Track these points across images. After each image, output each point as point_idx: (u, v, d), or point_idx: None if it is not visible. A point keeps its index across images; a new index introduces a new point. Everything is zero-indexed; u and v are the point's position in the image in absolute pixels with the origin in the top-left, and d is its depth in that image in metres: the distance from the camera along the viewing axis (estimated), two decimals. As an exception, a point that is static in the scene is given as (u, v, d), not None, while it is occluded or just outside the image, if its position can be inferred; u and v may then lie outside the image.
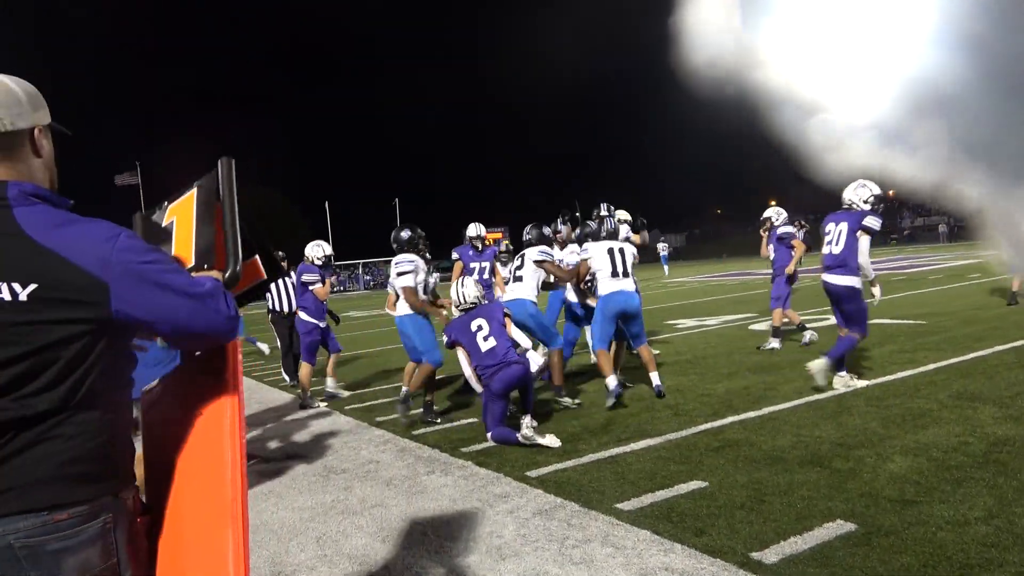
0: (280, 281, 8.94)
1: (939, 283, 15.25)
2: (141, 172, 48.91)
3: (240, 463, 1.47)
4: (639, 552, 3.22)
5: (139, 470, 1.64)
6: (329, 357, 8.26)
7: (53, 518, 1.33)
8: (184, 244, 1.72)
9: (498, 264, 7.71)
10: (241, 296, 1.84)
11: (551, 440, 5.00)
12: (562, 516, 3.75)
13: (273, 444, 6.16)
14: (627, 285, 6.40)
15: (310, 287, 7.86)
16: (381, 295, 43.15)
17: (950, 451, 4.13)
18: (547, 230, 6.75)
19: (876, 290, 5.85)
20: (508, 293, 6.45)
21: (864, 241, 5.79)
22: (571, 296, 7.16)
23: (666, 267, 36.25)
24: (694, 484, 4.01)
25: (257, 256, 1.86)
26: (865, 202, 5.88)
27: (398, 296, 6.44)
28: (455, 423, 6.14)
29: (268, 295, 8.73)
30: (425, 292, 6.44)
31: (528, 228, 6.67)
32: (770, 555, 3.05)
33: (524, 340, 5.47)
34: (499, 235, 58.84)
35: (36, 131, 1.47)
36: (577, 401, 6.30)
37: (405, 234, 6.49)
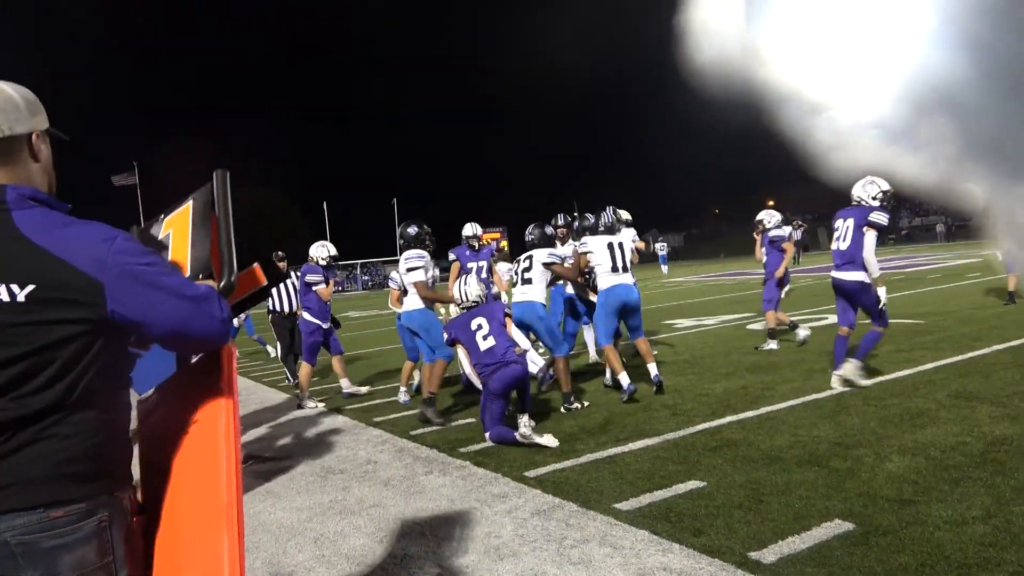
0: (281, 282, 8.95)
1: (937, 283, 15.27)
2: (139, 172, 48.86)
3: (235, 467, 1.48)
4: (637, 552, 3.22)
5: (136, 472, 1.64)
6: (332, 359, 8.24)
7: (49, 515, 1.35)
8: (180, 255, 1.74)
9: (495, 263, 7.71)
10: (242, 302, 1.87)
11: (549, 440, 5.00)
12: (560, 516, 3.75)
13: (271, 444, 6.16)
14: (626, 279, 6.51)
15: (314, 287, 7.85)
16: (379, 295, 43.16)
17: (948, 450, 4.13)
18: (549, 229, 6.74)
19: (881, 291, 5.81)
20: (518, 295, 6.42)
21: (870, 237, 5.78)
22: (571, 290, 7.19)
23: (665, 267, 36.27)
24: (692, 484, 4.01)
25: (256, 264, 1.88)
26: (874, 198, 5.88)
27: (405, 292, 6.43)
28: (453, 423, 6.14)
29: (270, 297, 8.72)
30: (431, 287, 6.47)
31: (530, 228, 6.65)
32: (768, 555, 3.05)
33: (523, 341, 5.47)
34: (497, 235, 58.90)
35: (34, 136, 1.50)
36: (586, 403, 6.32)
37: (412, 230, 6.51)
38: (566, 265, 6.61)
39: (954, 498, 3.45)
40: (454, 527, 3.75)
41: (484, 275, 7.47)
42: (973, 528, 3.10)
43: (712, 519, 3.49)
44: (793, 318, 9.03)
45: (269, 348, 12.11)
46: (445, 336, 5.64)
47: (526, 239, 6.65)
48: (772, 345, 8.33)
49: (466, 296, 5.60)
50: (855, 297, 5.91)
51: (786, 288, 8.98)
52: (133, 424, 1.63)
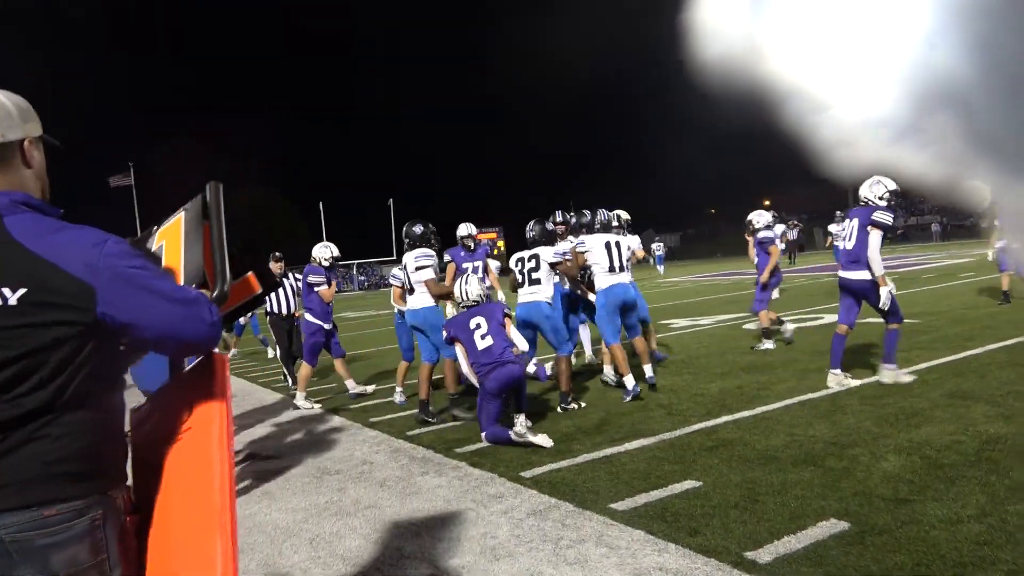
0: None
1: (931, 282, 15.30)
2: (139, 173, 48.80)
3: (228, 472, 1.50)
4: (633, 552, 3.22)
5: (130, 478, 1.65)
6: (334, 362, 8.21)
7: (42, 514, 1.37)
8: (174, 266, 1.77)
9: (490, 262, 7.69)
10: (237, 309, 1.89)
11: (543, 439, 5.00)
12: (556, 516, 3.75)
13: (267, 445, 6.15)
14: (624, 278, 6.56)
15: (316, 288, 7.84)
16: (376, 296, 43.13)
17: (943, 450, 4.14)
18: (550, 225, 6.73)
19: (883, 291, 5.80)
20: (524, 296, 6.41)
21: (875, 236, 5.78)
22: (567, 285, 7.21)
23: (661, 267, 36.28)
24: (688, 484, 4.01)
25: (251, 273, 1.89)
26: (880, 198, 5.90)
27: (411, 291, 6.42)
28: (450, 424, 6.14)
29: (267, 298, 8.70)
30: None
31: (531, 224, 6.63)
32: (764, 554, 3.06)
33: (522, 343, 5.47)
34: (493, 235, 58.89)
35: (26, 143, 1.53)
36: (583, 404, 6.32)
37: (418, 229, 6.52)
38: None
39: (949, 497, 3.45)
40: (450, 528, 3.75)
41: (480, 275, 7.47)
42: (968, 527, 3.11)
43: (708, 519, 3.49)
44: (784, 317, 9.04)
45: (269, 349, 12.08)
46: (444, 334, 5.65)
47: (527, 235, 6.62)
48: (767, 345, 8.34)
49: (466, 295, 5.60)
50: (865, 296, 5.91)
51: (777, 288, 8.95)
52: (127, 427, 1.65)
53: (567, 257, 6.47)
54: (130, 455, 1.71)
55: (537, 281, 6.35)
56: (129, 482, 1.63)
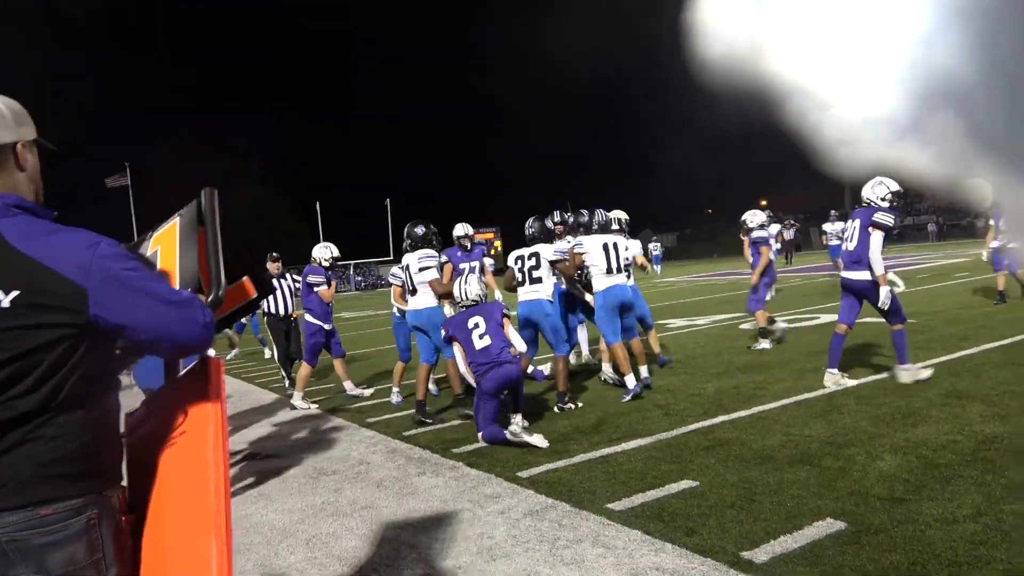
0: (276, 283, 8.89)
1: (927, 282, 15.33)
2: (138, 174, 48.71)
3: (223, 475, 1.51)
4: (630, 552, 3.22)
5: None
6: (334, 362, 8.20)
7: (38, 513, 1.39)
8: (169, 271, 1.78)
9: (486, 262, 7.69)
10: (233, 314, 1.91)
11: (538, 440, 4.99)
12: (553, 516, 3.75)
13: (264, 445, 6.14)
14: (621, 279, 6.59)
15: (315, 288, 7.83)
16: (373, 296, 43.11)
17: (939, 449, 4.15)
18: (549, 223, 6.72)
19: (883, 290, 5.81)
20: (525, 294, 6.41)
21: (876, 237, 5.79)
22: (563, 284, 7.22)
23: (658, 267, 36.30)
24: (685, 484, 4.01)
25: (246, 278, 1.91)
26: (883, 199, 5.90)
27: (413, 291, 6.41)
28: (447, 424, 6.14)
29: (258, 307, 8.68)
30: None
31: (530, 222, 6.61)
32: (760, 554, 3.06)
33: (520, 344, 5.46)
34: (490, 235, 58.83)
35: (20, 146, 1.54)
36: (580, 404, 6.33)
37: (420, 230, 6.52)
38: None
39: (945, 496, 3.46)
40: (447, 528, 3.75)
41: (478, 275, 7.47)
42: (964, 526, 3.11)
43: (704, 519, 3.50)
44: (778, 317, 9.06)
45: (266, 349, 12.05)
46: (443, 333, 5.65)
47: (526, 232, 6.60)
48: (764, 344, 8.35)
49: (465, 295, 5.60)
50: (867, 296, 5.92)
51: (771, 288, 8.95)
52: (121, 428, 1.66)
53: (566, 256, 6.47)
54: (126, 458, 1.71)
55: (538, 279, 6.34)
56: (125, 482, 1.64)
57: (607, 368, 7.23)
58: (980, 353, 6.84)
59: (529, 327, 6.43)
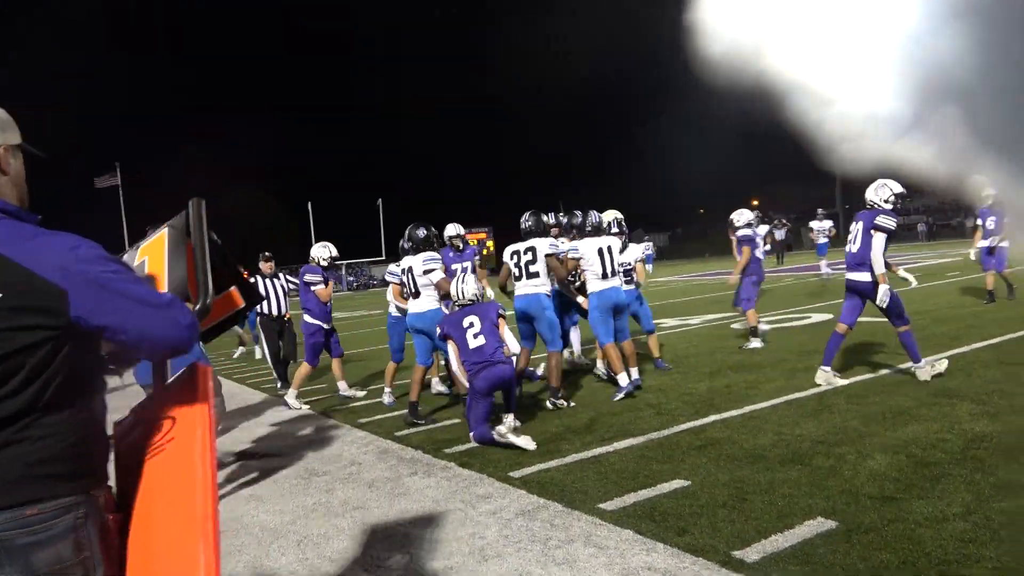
0: (269, 283, 8.86)
1: (903, 284, 15.40)
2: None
3: (211, 481, 1.53)
4: (622, 552, 3.22)
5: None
6: (332, 361, 8.17)
7: (24, 513, 1.40)
8: (157, 281, 1.82)
9: (477, 262, 7.70)
10: (220, 324, 1.93)
11: (526, 442, 4.98)
12: (545, 516, 3.75)
13: (254, 446, 6.11)
14: (616, 282, 6.61)
15: (312, 287, 7.80)
16: (365, 296, 43.01)
17: (929, 448, 4.17)
18: (545, 217, 6.72)
19: (882, 288, 5.82)
20: (523, 288, 6.41)
21: (878, 240, 5.82)
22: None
23: (650, 266, 36.36)
24: (676, 483, 4.02)
25: (234, 288, 1.91)
26: (886, 201, 5.93)
27: (415, 293, 6.40)
28: (439, 424, 6.13)
29: (246, 317, 8.64)
30: None
31: (526, 216, 6.59)
32: (752, 553, 3.07)
33: (514, 344, 5.46)
34: (483, 235, 58.81)
35: (2, 150, 1.56)
36: (572, 403, 6.33)
37: (421, 232, 6.52)
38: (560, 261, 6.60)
39: (935, 495, 3.48)
40: (438, 528, 3.74)
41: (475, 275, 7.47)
42: (953, 525, 3.13)
43: (696, 518, 3.50)
44: (764, 316, 9.10)
45: (257, 349, 12.00)
46: (438, 331, 5.64)
47: (522, 227, 6.60)
48: (755, 344, 8.38)
49: (462, 294, 5.59)
50: (870, 296, 5.94)
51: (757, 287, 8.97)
52: (108, 428, 1.67)
53: (561, 252, 6.47)
54: (116, 464, 1.74)
55: (535, 274, 6.35)
56: (113, 485, 1.66)
57: (601, 364, 7.27)
58: (970, 352, 6.89)
59: (526, 321, 6.45)
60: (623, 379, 6.34)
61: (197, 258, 1.72)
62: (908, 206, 55.35)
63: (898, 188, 5.90)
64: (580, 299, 6.83)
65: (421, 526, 3.81)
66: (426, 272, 6.30)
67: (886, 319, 6.07)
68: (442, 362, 7.36)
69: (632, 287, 7.42)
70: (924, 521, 3.20)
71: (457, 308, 5.64)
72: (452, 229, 7.58)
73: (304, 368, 7.68)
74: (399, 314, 7.25)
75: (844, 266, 6.22)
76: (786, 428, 4.88)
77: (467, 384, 5.40)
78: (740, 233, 8.73)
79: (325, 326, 7.82)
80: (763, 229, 9.14)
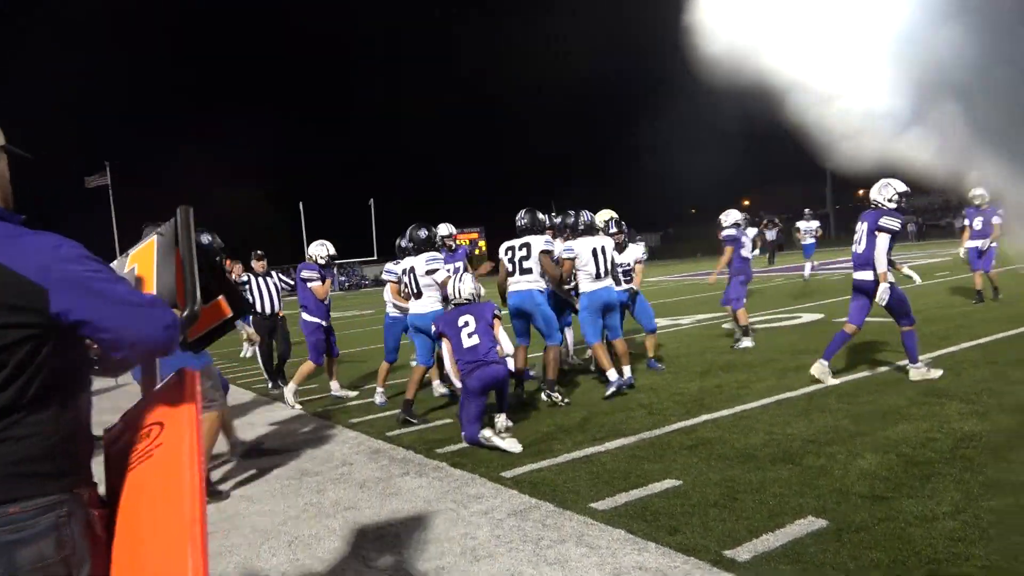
0: (262, 281, 8.83)
1: (906, 281, 15.49)
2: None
3: (199, 486, 1.54)
4: (613, 551, 3.22)
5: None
6: (326, 360, 8.15)
7: (7, 511, 1.42)
8: (146, 288, 1.84)
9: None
10: (209, 334, 1.93)
11: (511, 444, 4.96)
12: (537, 516, 3.75)
13: (245, 446, 6.08)
14: (608, 283, 6.64)
15: (308, 284, 7.78)
16: (357, 296, 42.91)
17: (918, 447, 4.19)
18: (540, 215, 6.72)
19: (882, 287, 5.83)
20: (516, 284, 6.41)
21: (882, 240, 5.84)
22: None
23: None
24: (668, 483, 4.02)
25: (222, 297, 1.94)
26: (889, 200, 5.95)
27: (418, 294, 6.39)
28: (431, 424, 6.12)
29: (250, 296, 8.60)
30: None
31: (521, 213, 6.60)
32: (743, 552, 3.07)
33: (508, 345, 5.46)
34: (475, 235, 58.72)
35: None
36: (566, 400, 6.34)
37: (423, 233, 6.51)
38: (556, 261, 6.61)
39: (925, 494, 3.50)
40: (430, 529, 3.74)
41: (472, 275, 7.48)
42: (943, 523, 3.15)
43: (687, 517, 3.51)
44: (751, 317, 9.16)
45: (245, 345, 11.94)
46: (433, 329, 5.63)
47: (517, 224, 6.60)
48: (747, 343, 8.41)
49: (459, 293, 5.59)
50: (872, 295, 5.97)
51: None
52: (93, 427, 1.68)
53: (554, 249, 6.47)
54: (105, 470, 1.75)
55: (528, 270, 6.37)
56: (101, 486, 1.67)
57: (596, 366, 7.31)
58: (959, 352, 6.94)
59: (520, 317, 6.46)
60: (612, 374, 6.37)
61: (184, 265, 1.73)
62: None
63: (902, 187, 5.92)
64: (574, 301, 6.85)
65: (412, 526, 3.80)
66: (429, 272, 6.31)
67: (891, 319, 6.10)
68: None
69: (628, 287, 7.44)
70: (914, 520, 3.21)
71: (453, 307, 5.64)
72: (444, 229, 7.57)
73: (308, 366, 7.63)
74: (397, 314, 7.22)
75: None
76: (777, 428, 4.90)
77: (458, 383, 5.40)
78: (724, 233, 8.82)
79: (323, 323, 7.80)
80: (752, 231, 9.21)
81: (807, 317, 10.78)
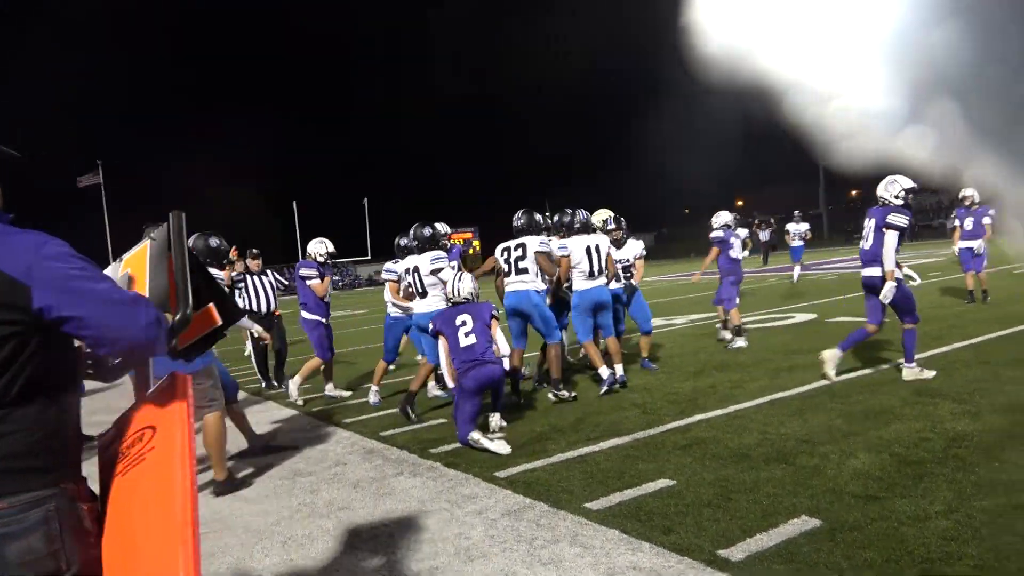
0: (257, 280, 8.80)
1: (907, 280, 15.52)
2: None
3: (191, 489, 1.56)
4: (607, 551, 3.22)
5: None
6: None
7: None
8: (139, 291, 1.84)
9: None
10: (198, 342, 1.94)
11: (499, 446, 4.95)
12: (531, 516, 3.74)
13: (239, 446, 6.06)
14: (601, 282, 6.64)
15: (308, 282, 7.76)
16: (350, 296, 42.84)
17: (911, 447, 4.21)
18: (537, 216, 6.72)
19: (888, 285, 5.84)
20: (512, 285, 6.42)
21: (890, 237, 5.85)
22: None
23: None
24: (662, 482, 4.03)
25: (212, 304, 1.95)
26: (896, 197, 5.96)
27: (423, 293, 6.39)
28: (425, 423, 6.11)
29: (245, 295, 8.58)
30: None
31: (518, 214, 6.61)
32: (736, 552, 3.08)
33: (504, 346, 5.46)
34: (469, 235, 58.72)
35: None
36: (573, 394, 6.38)
37: (427, 231, 6.51)
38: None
39: (917, 494, 3.51)
40: (424, 529, 3.73)
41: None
42: (936, 523, 3.16)
43: (681, 517, 3.51)
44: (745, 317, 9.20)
45: (249, 344, 11.92)
46: (431, 327, 5.63)
47: (514, 224, 6.61)
48: (740, 343, 8.42)
49: (458, 292, 5.58)
50: (878, 291, 5.99)
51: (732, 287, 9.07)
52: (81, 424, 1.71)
53: (550, 249, 6.48)
54: (99, 475, 1.76)
55: (524, 270, 6.38)
56: (96, 486, 1.69)
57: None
58: (952, 352, 6.96)
59: (517, 318, 6.46)
60: (604, 371, 6.41)
61: (176, 269, 1.75)
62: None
63: (908, 183, 5.93)
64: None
65: (406, 527, 3.79)
66: (434, 271, 6.31)
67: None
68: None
69: (622, 284, 7.44)
70: (907, 519, 3.22)
71: (451, 305, 5.63)
72: (439, 228, 7.56)
73: (315, 362, 7.63)
74: (399, 314, 7.20)
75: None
76: (770, 427, 4.91)
77: (451, 383, 5.39)
78: (712, 235, 8.86)
79: (323, 320, 7.78)
80: (742, 232, 9.25)
81: (800, 317, 10.81)
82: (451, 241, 7.65)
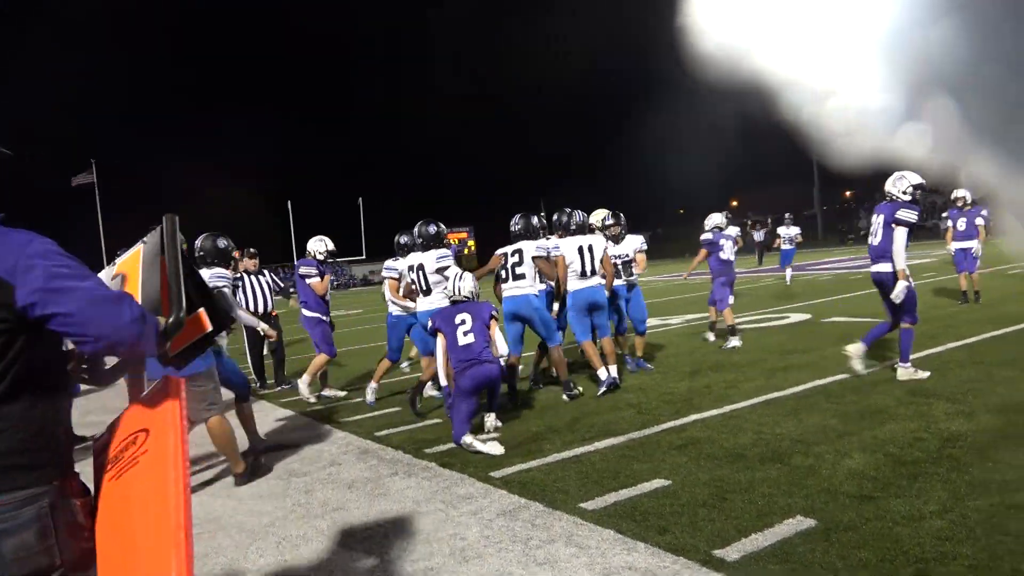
0: (254, 279, 8.78)
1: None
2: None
3: (184, 491, 1.57)
4: (603, 551, 3.22)
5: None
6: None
7: None
8: (132, 295, 1.84)
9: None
10: (188, 349, 1.94)
11: (492, 447, 4.94)
12: (526, 517, 3.74)
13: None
14: (593, 282, 6.64)
15: (307, 280, 7.75)
16: (345, 295, 42.78)
17: (906, 447, 4.21)
18: (535, 220, 6.73)
19: (900, 284, 5.81)
20: (510, 290, 6.43)
21: (899, 233, 5.85)
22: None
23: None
24: (657, 482, 4.03)
25: (202, 309, 1.94)
26: (904, 193, 5.96)
27: (427, 291, 6.39)
28: (420, 423, 6.10)
29: (242, 294, 8.56)
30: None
31: (516, 219, 6.62)
32: (732, 552, 3.08)
33: (502, 347, 5.45)
34: (464, 235, 58.71)
35: None
36: (579, 389, 6.44)
37: (432, 229, 6.54)
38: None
39: (912, 493, 3.51)
40: (419, 530, 3.72)
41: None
42: (930, 523, 3.16)
43: (677, 517, 3.51)
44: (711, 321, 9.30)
45: (245, 343, 11.89)
46: (429, 324, 5.62)
47: (511, 229, 6.63)
48: (734, 343, 8.43)
49: (458, 291, 5.58)
50: (888, 287, 5.99)
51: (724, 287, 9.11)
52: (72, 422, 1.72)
53: (548, 253, 6.48)
54: (93, 478, 1.78)
55: (522, 276, 6.39)
56: (77, 469, 1.70)
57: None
58: (946, 352, 6.98)
59: (516, 322, 6.46)
60: (603, 373, 6.43)
61: (169, 274, 1.75)
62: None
63: (916, 179, 5.92)
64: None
65: (401, 527, 3.78)
66: (439, 269, 6.32)
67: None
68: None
69: (624, 280, 7.44)
70: (901, 519, 3.23)
71: (450, 303, 5.63)
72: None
73: (321, 358, 7.62)
74: (401, 313, 7.18)
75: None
76: (765, 427, 4.91)
77: (444, 382, 5.39)
78: (702, 236, 8.91)
79: (324, 318, 7.77)
80: (733, 231, 9.28)
81: (795, 317, 10.83)
82: (447, 240, 7.64)
